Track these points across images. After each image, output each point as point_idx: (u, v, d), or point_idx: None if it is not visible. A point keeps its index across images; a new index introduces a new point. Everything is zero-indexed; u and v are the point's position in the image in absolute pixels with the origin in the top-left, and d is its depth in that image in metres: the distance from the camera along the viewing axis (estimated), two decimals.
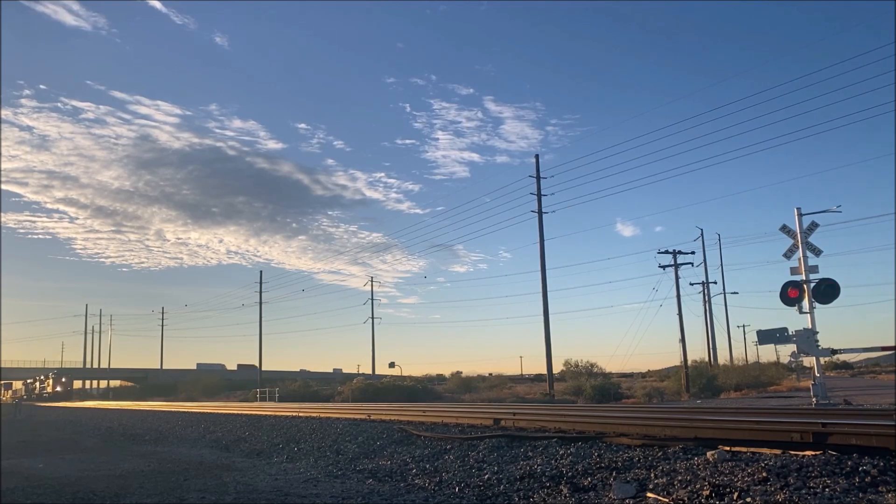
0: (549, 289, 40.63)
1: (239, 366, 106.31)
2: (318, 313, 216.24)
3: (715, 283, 54.14)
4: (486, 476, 7.70)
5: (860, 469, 5.59)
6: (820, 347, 18.42)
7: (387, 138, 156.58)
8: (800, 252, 19.22)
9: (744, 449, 7.00)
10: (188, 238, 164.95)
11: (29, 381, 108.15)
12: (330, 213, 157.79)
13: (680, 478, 6.20)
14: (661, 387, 40.07)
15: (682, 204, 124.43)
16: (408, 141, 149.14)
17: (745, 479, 5.73)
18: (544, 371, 41.13)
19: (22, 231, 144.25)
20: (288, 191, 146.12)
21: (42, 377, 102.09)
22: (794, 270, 19.27)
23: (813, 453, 6.31)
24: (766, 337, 19.18)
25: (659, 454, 7.32)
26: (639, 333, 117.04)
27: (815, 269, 19.11)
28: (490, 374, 73.35)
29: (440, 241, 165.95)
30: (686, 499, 5.65)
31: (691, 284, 54.34)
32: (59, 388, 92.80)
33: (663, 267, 40.22)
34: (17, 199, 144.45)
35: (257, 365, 76.12)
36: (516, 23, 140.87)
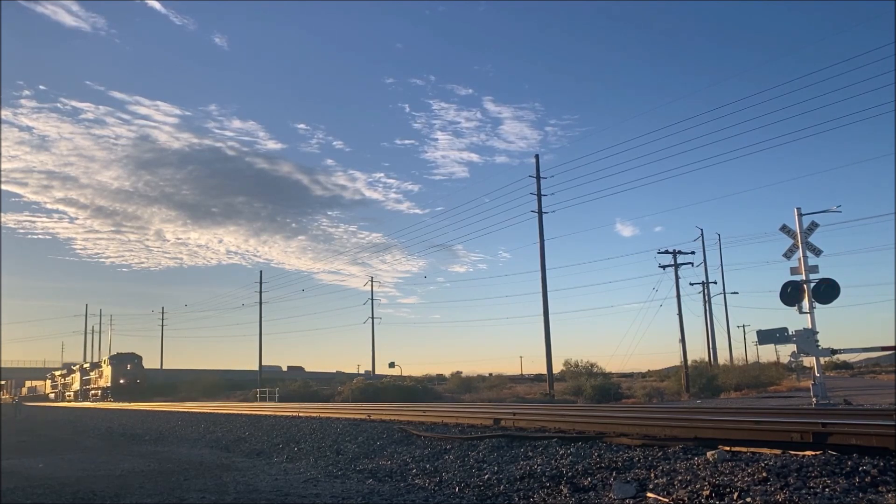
0: (549, 289, 40.66)
1: (289, 367, 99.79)
2: (318, 313, 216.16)
3: (715, 283, 54.16)
4: (486, 476, 7.70)
5: (860, 469, 5.59)
6: (820, 347, 18.42)
7: (386, 139, 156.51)
8: (800, 252, 19.22)
9: (744, 449, 7.00)
10: (188, 238, 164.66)
11: (58, 373, 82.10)
12: (329, 213, 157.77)
13: (680, 478, 6.20)
14: (661, 387, 40.08)
15: (681, 204, 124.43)
16: (407, 141, 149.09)
17: (745, 479, 5.73)
18: (544, 371, 41.14)
19: (22, 231, 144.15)
20: (287, 191, 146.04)
21: (86, 365, 72.13)
22: (794, 270, 19.28)
23: (813, 453, 6.31)
24: (766, 337, 19.18)
25: (659, 454, 7.32)
26: (639, 333, 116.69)
27: (815, 269, 19.12)
28: (490, 374, 73.29)
29: (440, 241, 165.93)
30: (686, 499, 5.65)
31: (691, 284, 54.29)
32: (122, 381, 59.94)
33: (663, 267, 40.24)
34: (17, 199, 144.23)
35: (303, 367, 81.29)
36: (515, 23, 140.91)
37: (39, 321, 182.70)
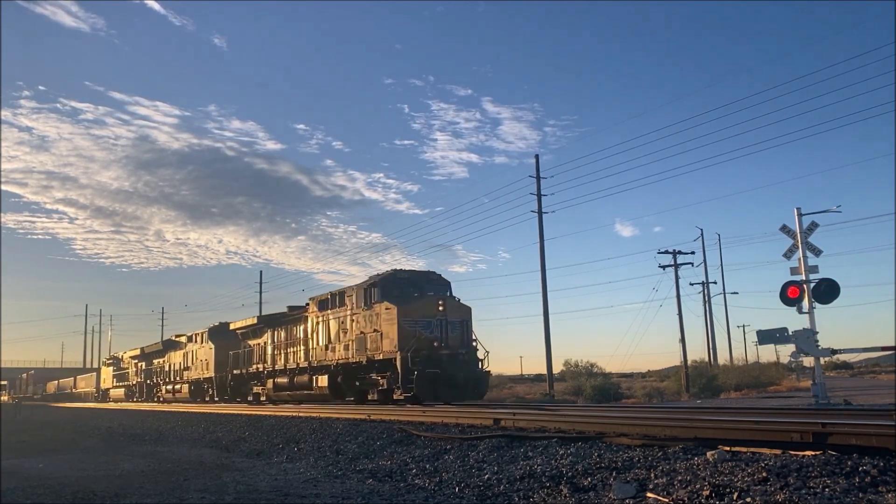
0: (549, 289, 40.56)
1: None
2: None
3: (715, 283, 53.98)
4: (486, 476, 7.70)
5: (860, 469, 5.59)
6: (820, 347, 18.42)
7: (385, 139, 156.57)
8: (800, 252, 19.22)
9: (744, 449, 6.99)
10: (187, 238, 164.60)
11: (128, 354, 49.22)
12: (329, 213, 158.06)
13: (680, 478, 6.20)
14: (661, 387, 40.06)
15: (681, 204, 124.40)
16: (406, 141, 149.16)
17: (745, 479, 5.73)
18: (544, 371, 41.12)
19: (22, 231, 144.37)
20: (287, 191, 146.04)
21: (241, 325, 31.73)
22: (794, 270, 19.27)
23: (813, 453, 6.30)
24: (766, 337, 19.18)
25: (659, 454, 7.32)
26: (639, 333, 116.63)
27: (815, 269, 19.11)
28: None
29: (439, 241, 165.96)
30: (686, 499, 5.65)
31: (691, 284, 54.11)
32: (436, 344, 19.24)
33: (663, 267, 40.22)
34: (16, 199, 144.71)
35: None
36: (514, 23, 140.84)
37: (39, 321, 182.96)
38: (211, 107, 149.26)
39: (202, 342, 36.15)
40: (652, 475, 6.50)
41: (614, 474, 6.82)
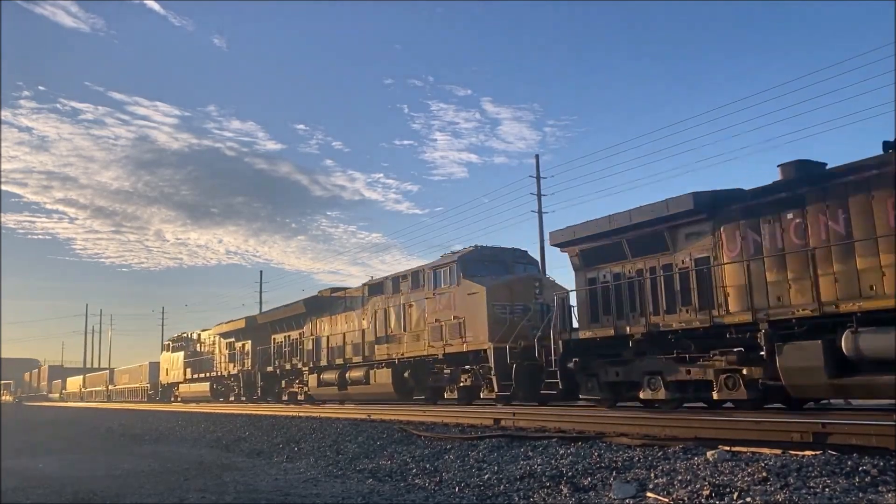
0: None
1: None
2: None
3: None
4: (486, 476, 7.70)
5: (860, 469, 5.59)
6: None
7: (385, 139, 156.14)
8: None
9: (744, 449, 7.00)
10: (187, 238, 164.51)
11: (218, 331, 32.87)
12: (329, 213, 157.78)
13: (680, 478, 6.20)
14: None
15: None
16: (406, 142, 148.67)
17: (745, 478, 5.74)
18: None
19: (22, 231, 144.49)
20: (287, 191, 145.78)
21: None
22: None
23: (813, 453, 6.31)
24: None
25: (659, 454, 7.32)
26: None
27: None
28: None
29: (439, 241, 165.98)
30: (686, 499, 5.65)
31: None
32: None
33: None
34: (16, 199, 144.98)
35: None
36: (514, 24, 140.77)
37: (39, 321, 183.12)
38: (211, 107, 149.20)
39: (438, 284, 18.58)
40: (652, 475, 6.50)
41: (614, 474, 6.82)
